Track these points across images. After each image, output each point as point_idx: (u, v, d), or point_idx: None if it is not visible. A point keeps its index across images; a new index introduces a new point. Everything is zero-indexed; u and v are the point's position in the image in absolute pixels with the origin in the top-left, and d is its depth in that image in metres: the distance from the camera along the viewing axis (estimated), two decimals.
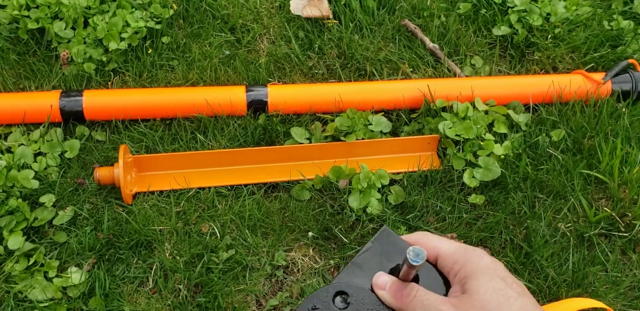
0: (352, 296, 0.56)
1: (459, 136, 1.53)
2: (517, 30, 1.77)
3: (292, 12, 1.76)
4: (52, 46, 1.64)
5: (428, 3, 1.82)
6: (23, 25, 1.64)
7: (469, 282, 0.53)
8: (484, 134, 1.55)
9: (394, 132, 1.62)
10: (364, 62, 1.71)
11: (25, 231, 1.35)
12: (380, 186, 1.48)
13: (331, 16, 1.75)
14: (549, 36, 1.77)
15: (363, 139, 1.56)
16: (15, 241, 1.31)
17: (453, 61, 1.74)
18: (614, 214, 1.48)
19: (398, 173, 1.54)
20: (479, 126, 1.55)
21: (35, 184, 1.40)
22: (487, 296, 0.52)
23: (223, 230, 1.41)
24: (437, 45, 1.73)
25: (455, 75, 1.70)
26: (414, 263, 0.50)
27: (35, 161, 1.45)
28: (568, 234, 1.46)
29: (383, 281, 0.57)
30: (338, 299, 0.56)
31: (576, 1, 1.84)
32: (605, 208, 1.49)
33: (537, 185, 1.53)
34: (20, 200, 1.35)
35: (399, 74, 1.70)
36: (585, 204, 1.49)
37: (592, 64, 1.76)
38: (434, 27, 1.76)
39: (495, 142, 1.56)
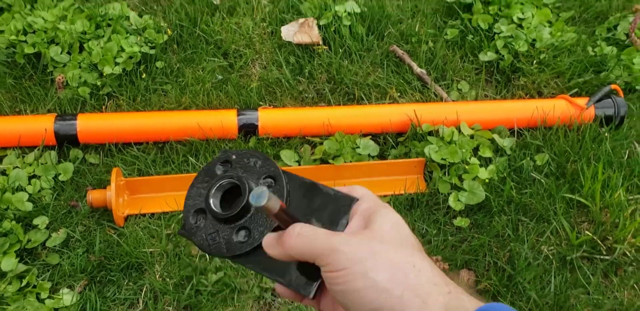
0: (235, 163, 0.59)
1: (445, 159, 1.59)
2: (503, 55, 1.84)
3: (284, 38, 1.82)
4: (48, 70, 1.70)
5: (416, 29, 1.89)
6: (20, 49, 1.69)
7: (373, 218, 0.50)
8: (469, 158, 1.61)
9: (382, 156, 1.67)
10: (352, 87, 1.77)
11: (19, 253, 1.39)
12: None
13: (321, 42, 1.81)
14: (534, 62, 1.83)
15: (351, 162, 1.61)
16: (9, 263, 1.35)
17: (440, 85, 1.80)
18: (595, 237, 1.52)
19: (385, 196, 1.58)
20: (464, 150, 1.60)
21: (29, 206, 1.44)
22: (388, 232, 0.48)
23: None
24: (424, 71, 1.79)
25: (442, 99, 1.76)
26: (253, 204, 0.46)
27: (29, 184, 1.50)
28: (551, 257, 1.51)
29: (266, 242, 0.52)
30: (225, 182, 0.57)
31: (561, 27, 1.90)
32: (587, 232, 1.54)
33: (521, 208, 1.57)
34: (14, 222, 1.40)
35: (386, 99, 1.76)
36: (567, 227, 1.54)
37: (576, 89, 1.82)
38: (422, 52, 1.83)
39: (481, 166, 1.61)
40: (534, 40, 1.86)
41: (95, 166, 1.58)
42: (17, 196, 1.45)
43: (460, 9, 1.95)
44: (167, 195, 1.54)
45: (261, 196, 0.46)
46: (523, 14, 1.90)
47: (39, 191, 1.49)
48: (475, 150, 1.65)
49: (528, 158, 1.65)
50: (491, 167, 1.61)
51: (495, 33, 1.87)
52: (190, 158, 1.61)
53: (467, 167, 1.59)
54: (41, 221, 1.43)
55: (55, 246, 1.42)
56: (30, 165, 1.53)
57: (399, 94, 1.77)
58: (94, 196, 1.45)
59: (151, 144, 1.63)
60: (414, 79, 1.80)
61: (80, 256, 1.41)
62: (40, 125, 1.56)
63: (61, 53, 1.71)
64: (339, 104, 1.76)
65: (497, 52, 1.85)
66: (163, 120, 1.64)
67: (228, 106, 1.72)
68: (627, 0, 2.05)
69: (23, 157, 1.55)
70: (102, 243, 1.44)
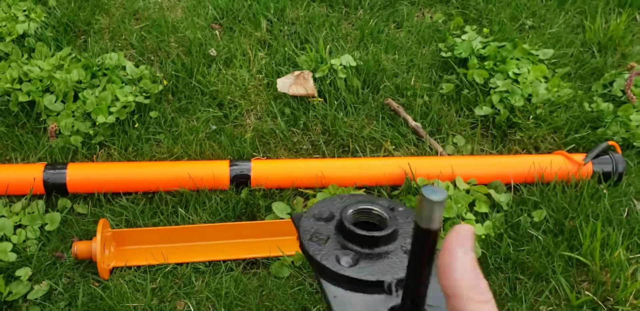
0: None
1: None
2: (499, 110, 1.90)
3: (279, 90, 1.89)
4: (41, 119, 1.75)
5: (411, 83, 1.96)
6: (14, 97, 1.75)
7: None
8: (465, 214, 1.63)
9: None
10: (347, 139, 1.82)
11: None
12: None
13: (316, 94, 1.88)
14: (531, 117, 1.89)
15: None
16: None
17: (435, 139, 1.85)
18: (596, 298, 1.53)
19: None
20: (459, 205, 1.63)
21: (12, 257, 1.46)
22: None
23: (198, 308, 1.46)
24: (419, 124, 1.85)
25: (437, 153, 1.80)
26: (429, 197, 0.39)
27: (14, 233, 1.52)
28: None
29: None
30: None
31: (557, 83, 1.97)
32: (587, 292, 1.55)
33: (519, 266, 1.59)
34: None
35: (381, 151, 1.81)
36: (566, 287, 1.55)
37: (573, 145, 1.87)
38: (417, 106, 1.89)
39: (477, 221, 1.64)
40: (530, 95, 1.93)
41: (83, 217, 1.61)
42: (0, 246, 1.46)
43: (456, 64, 2.04)
44: (154, 248, 1.55)
45: (438, 191, 0.39)
46: (519, 69, 1.97)
47: (24, 241, 1.51)
48: (471, 205, 1.68)
49: (525, 214, 1.68)
50: (487, 223, 1.63)
51: (490, 88, 1.94)
52: (179, 209, 1.63)
53: (462, 222, 1.61)
54: (24, 272, 1.44)
55: (36, 299, 1.43)
56: (17, 214, 1.56)
57: (393, 147, 1.82)
58: (79, 247, 1.47)
59: (140, 194, 1.66)
60: (409, 132, 1.85)
61: (61, 309, 1.42)
62: (29, 174, 1.60)
63: (55, 102, 1.76)
64: (334, 156, 1.80)
65: (492, 106, 1.91)
66: (153, 170, 1.68)
67: (221, 156, 1.76)
68: (622, 57, 2.14)
69: (10, 206, 1.58)
70: (86, 297, 1.45)
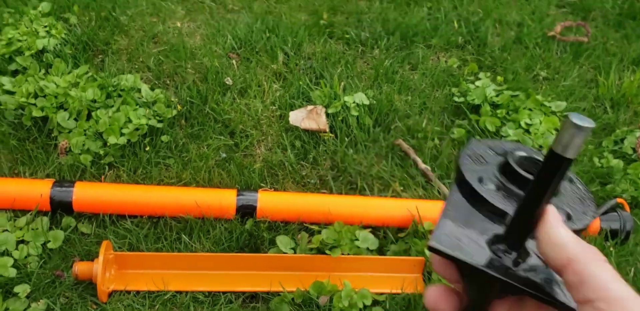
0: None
1: None
2: None
3: (291, 122, 1.94)
4: (53, 135, 1.79)
5: (423, 125, 2.02)
6: (28, 112, 1.79)
7: None
8: None
9: (380, 250, 1.73)
10: (356, 176, 1.86)
11: None
12: (362, 306, 1.56)
13: (327, 130, 1.93)
14: None
15: (349, 254, 1.66)
16: None
17: (444, 183, 1.89)
18: None
19: (381, 294, 1.62)
20: None
21: (12, 272, 1.47)
22: None
23: None
24: (428, 167, 1.89)
25: (445, 198, 1.85)
26: (578, 122, 0.39)
27: (16, 249, 1.53)
28: None
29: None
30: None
31: None
32: None
33: None
34: None
35: (389, 191, 1.85)
36: None
37: None
38: (427, 149, 1.94)
39: None
40: (540, 146, 1.98)
41: (86, 237, 1.63)
42: (1, 261, 1.48)
43: (468, 110, 2.10)
44: (155, 273, 1.57)
45: (586, 119, 0.39)
46: (531, 119, 2.04)
47: (26, 257, 1.53)
48: None
49: None
50: None
51: (502, 136, 2.00)
52: (183, 235, 1.66)
53: None
54: (22, 289, 1.45)
55: None
56: (20, 229, 1.58)
57: (402, 188, 1.86)
58: (80, 268, 1.49)
59: (145, 218, 1.68)
60: (418, 174, 1.90)
61: None
62: (36, 189, 1.62)
63: (68, 119, 1.80)
64: (341, 193, 1.84)
65: None
66: (160, 195, 1.70)
67: (229, 185, 1.80)
68: (634, 115, 2.21)
69: (14, 220, 1.60)
70: None
